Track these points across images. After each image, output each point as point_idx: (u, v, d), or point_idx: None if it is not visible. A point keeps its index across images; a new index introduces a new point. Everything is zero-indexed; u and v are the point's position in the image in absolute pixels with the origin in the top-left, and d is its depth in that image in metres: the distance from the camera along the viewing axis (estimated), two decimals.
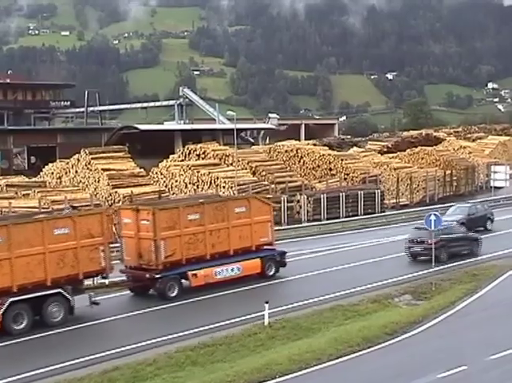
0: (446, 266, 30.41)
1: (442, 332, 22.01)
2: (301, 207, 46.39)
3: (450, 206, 49.78)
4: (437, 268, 28.32)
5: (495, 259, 32.18)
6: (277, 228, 41.98)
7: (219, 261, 28.04)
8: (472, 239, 33.71)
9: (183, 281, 27.03)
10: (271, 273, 29.48)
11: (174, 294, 26.44)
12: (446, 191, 57.34)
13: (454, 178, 58.36)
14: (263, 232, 29.78)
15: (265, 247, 30.13)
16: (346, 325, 22.57)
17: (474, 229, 36.60)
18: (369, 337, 21.19)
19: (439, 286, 27.35)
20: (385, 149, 69.46)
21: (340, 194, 47.82)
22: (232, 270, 28.19)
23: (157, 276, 26.30)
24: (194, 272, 27.03)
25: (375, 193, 49.58)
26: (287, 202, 45.47)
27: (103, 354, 20.25)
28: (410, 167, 58.63)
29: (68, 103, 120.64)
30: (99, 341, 22.10)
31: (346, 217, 46.60)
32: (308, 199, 46.48)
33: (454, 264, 31.09)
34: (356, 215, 47.28)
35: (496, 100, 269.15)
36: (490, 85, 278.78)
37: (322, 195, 47.04)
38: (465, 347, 20.17)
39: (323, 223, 44.42)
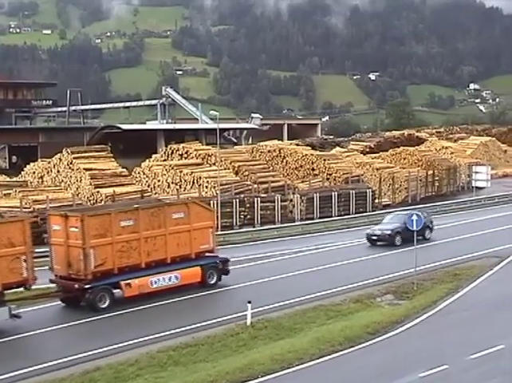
0: (427, 266, 30.50)
1: (423, 331, 22.11)
2: (293, 207, 46.66)
3: (433, 205, 50.40)
4: (418, 268, 28.41)
5: (476, 259, 32.34)
6: (265, 227, 42.57)
7: (156, 270, 26.55)
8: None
9: (116, 291, 25.50)
10: (212, 281, 28.10)
11: (104, 306, 24.90)
12: (428, 191, 57.65)
13: (436, 178, 58.66)
14: (204, 239, 28.30)
15: (207, 255, 28.74)
16: (328, 325, 22.62)
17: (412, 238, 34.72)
18: (351, 336, 21.26)
19: (421, 285, 27.47)
20: (368, 149, 69.78)
21: (333, 193, 48.34)
22: (170, 279, 26.65)
23: (86, 286, 24.80)
24: (127, 282, 25.50)
25: (366, 192, 50.34)
26: (281, 201, 45.77)
27: (85, 354, 20.18)
28: (392, 167, 58.89)
29: (50, 102, 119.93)
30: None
31: (329, 216, 46.74)
32: (301, 198, 46.90)
33: (436, 264, 31.23)
34: (348, 214, 47.92)
35: (478, 100, 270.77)
36: (472, 86, 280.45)
37: (315, 195, 47.49)
38: (446, 347, 20.27)
39: (305, 223, 44.49)
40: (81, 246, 24.89)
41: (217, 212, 41.94)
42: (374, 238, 36.64)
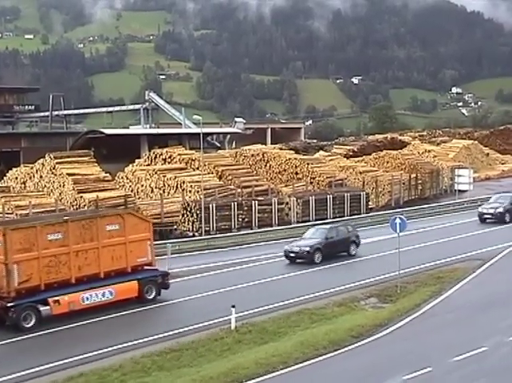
0: (411, 269, 30.58)
1: (407, 334, 22.19)
2: (290, 209, 46.99)
3: (418, 208, 50.61)
4: (403, 271, 28.52)
5: (459, 262, 32.50)
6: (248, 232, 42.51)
7: (88, 285, 25.14)
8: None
9: (43, 308, 24.06)
10: (151, 296, 26.72)
11: (30, 325, 23.42)
12: (411, 195, 57.84)
13: (419, 181, 58.89)
14: (141, 252, 26.91)
15: (146, 268, 27.34)
16: (312, 329, 22.66)
17: (336, 254, 34.09)
18: (335, 340, 21.31)
19: (405, 288, 27.57)
20: (351, 153, 69.95)
21: (328, 196, 48.88)
22: (103, 294, 25.28)
23: (9, 305, 23.27)
24: (55, 298, 23.98)
25: (360, 195, 50.89)
26: (277, 204, 46.25)
27: (70, 360, 20.08)
28: (375, 170, 59.08)
29: (33, 107, 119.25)
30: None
31: (324, 218, 46.83)
32: (297, 201, 47.33)
33: (421, 266, 31.35)
34: (343, 216, 48.24)
35: (460, 104, 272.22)
36: (454, 90, 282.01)
37: (311, 198, 48.00)
38: (429, 349, 20.35)
39: (291, 226, 44.54)
40: (3, 262, 23.53)
41: (215, 215, 42.64)
42: (292, 255, 33.78)
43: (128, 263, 26.51)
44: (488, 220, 44.22)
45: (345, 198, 49.56)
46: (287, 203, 47.20)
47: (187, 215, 42.89)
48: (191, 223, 42.90)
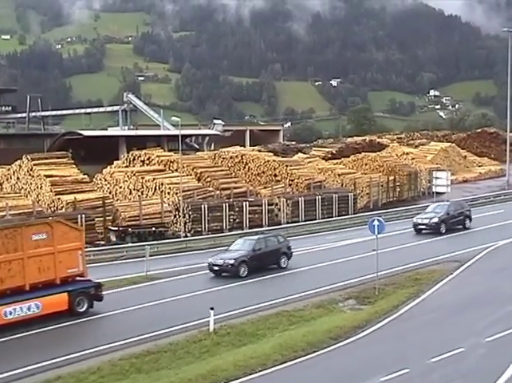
0: (389, 271, 30.72)
1: (385, 336, 22.28)
2: (279, 210, 47.50)
3: (396, 210, 50.82)
4: (381, 273, 28.65)
5: (436, 264, 32.71)
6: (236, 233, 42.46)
7: (11, 298, 23.49)
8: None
9: None
10: (82, 309, 25.08)
11: None
12: (389, 197, 58.10)
13: (398, 184, 59.16)
14: (71, 262, 25.32)
15: (77, 279, 25.88)
16: (291, 331, 22.68)
17: (264, 267, 31.97)
18: (314, 342, 21.34)
19: (383, 290, 27.69)
20: (329, 155, 70.16)
21: (317, 197, 49.51)
22: (29, 308, 23.68)
23: None
24: None
25: (348, 196, 51.53)
26: (268, 205, 46.80)
27: (44, 363, 19.94)
28: (354, 173, 59.25)
29: (10, 108, 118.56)
30: None
31: (312, 219, 46.95)
32: (286, 202, 47.91)
33: (399, 268, 31.51)
34: (331, 217, 48.97)
35: (438, 107, 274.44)
36: (432, 93, 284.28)
37: (300, 199, 48.61)
38: (407, 350, 20.45)
39: (267, 229, 44.54)
40: None
41: (207, 216, 42.99)
42: (216, 268, 31.43)
43: (56, 274, 25.01)
44: (424, 231, 41.32)
45: (333, 199, 50.31)
46: (277, 204, 47.73)
47: (179, 217, 43.34)
48: (183, 224, 43.25)
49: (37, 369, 19.56)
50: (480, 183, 70.21)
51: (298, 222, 46.94)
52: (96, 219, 41.02)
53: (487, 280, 29.46)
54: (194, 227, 43.19)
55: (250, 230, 43.12)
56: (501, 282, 28.96)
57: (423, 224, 41.46)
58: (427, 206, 47.21)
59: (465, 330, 22.27)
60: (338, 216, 49.26)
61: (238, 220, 45.17)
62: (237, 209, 45.23)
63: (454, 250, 35.33)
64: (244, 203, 45.90)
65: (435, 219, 41.06)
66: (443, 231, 40.60)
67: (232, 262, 31.05)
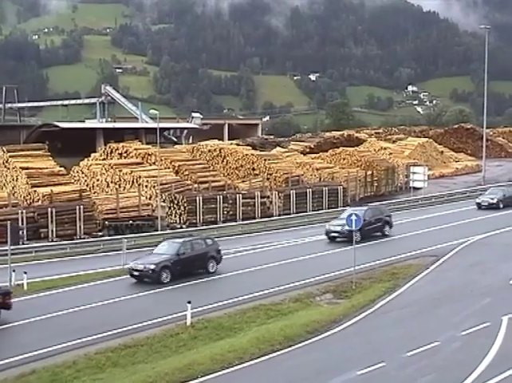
0: (366, 265, 30.82)
1: (362, 330, 22.36)
2: (271, 203, 48.04)
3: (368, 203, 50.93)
4: (358, 267, 28.74)
5: (413, 258, 32.88)
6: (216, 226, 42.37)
7: None
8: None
9: None
10: None
11: None
12: (367, 192, 58.30)
13: (375, 178, 59.37)
14: None
15: None
16: (268, 325, 22.69)
17: (191, 272, 29.67)
18: (291, 335, 21.38)
19: (360, 284, 27.79)
20: (308, 149, 70.32)
21: (308, 190, 50.22)
22: None
23: None
24: None
25: (337, 189, 52.20)
26: (260, 198, 47.39)
27: (20, 357, 19.78)
28: (332, 167, 59.43)
29: None
30: None
31: (303, 211, 47.01)
32: (278, 194, 48.51)
33: (376, 263, 31.63)
34: (321, 209, 49.51)
35: (415, 102, 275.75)
36: (410, 88, 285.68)
37: (291, 192, 49.22)
38: (384, 344, 20.55)
39: (244, 222, 44.58)
40: None
41: (202, 208, 43.67)
42: (136, 274, 29.04)
43: None
44: (338, 239, 36.91)
45: (324, 192, 50.96)
46: (268, 197, 48.26)
47: (174, 208, 44.06)
48: (178, 216, 43.91)
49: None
50: (457, 178, 70.68)
51: (290, 214, 47.64)
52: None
53: (463, 274, 29.64)
54: (189, 218, 43.87)
55: (218, 225, 43.24)
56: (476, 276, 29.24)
57: (335, 232, 37.07)
58: (405, 200, 47.58)
59: (441, 324, 22.42)
60: (328, 209, 49.58)
61: (231, 212, 45.86)
62: (230, 201, 45.89)
63: (433, 245, 35.54)
64: (237, 195, 46.68)
65: (347, 227, 34.36)
66: (358, 240, 34.15)
67: (153, 267, 28.52)
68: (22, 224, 37.32)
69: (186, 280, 28.81)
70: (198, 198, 44.38)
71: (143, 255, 30.66)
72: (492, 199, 48.80)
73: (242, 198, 46.63)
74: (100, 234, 40.28)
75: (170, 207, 44.21)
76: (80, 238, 39.06)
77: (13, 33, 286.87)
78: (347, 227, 33.11)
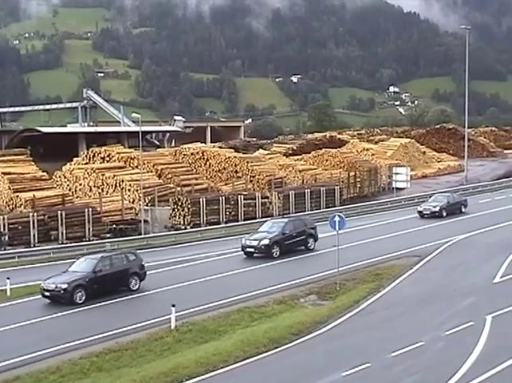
0: (350, 266, 30.86)
1: (346, 331, 22.39)
2: (271, 203, 48.65)
3: (356, 206, 51.08)
4: (342, 268, 28.78)
5: (397, 259, 32.96)
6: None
7: None
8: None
9: None
10: None
11: None
12: (350, 193, 58.40)
13: (358, 179, 59.51)
14: None
15: None
16: (253, 327, 22.67)
17: (110, 291, 27.21)
18: (275, 338, 21.36)
19: (344, 285, 27.82)
20: (290, 151, 70.43)
21: (306, 190, 51.03)
22: None
23: None
24: None
25: (334, 189, 53.19)
26: (261, 198, 48.27)
27: (3, 363, 19.64)
28: (315, 169, 59.59)
29: None
30: None
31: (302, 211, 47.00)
32: (278, 195, 49.23)
33: (359, 264, 31.69)
34: (319, 208, 50.30)
35: (397, 103, 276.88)
36: (392, 89, 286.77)
37: (291, 192, 50.09)
38: (368, 345, 20.58)
39: (227, 225, 44.44)
40: None
41: (205, 209, 44.13)
42: (47, 294, 26.48)
43: None
44: (255, 254, 33.77)
45: (321, 192, 51.89)
46: (268, 198, 48.78)
47: (178, 210, 44.48)
48: (182, 217, 44.28)
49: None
50: (439, 178, 70.95)
51: (289, 214, 47.32)
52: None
53: (446, 274, 29.75)
54: (193, 219, 44.42)
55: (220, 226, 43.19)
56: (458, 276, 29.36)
57: (251, 247, 34.05)
58: (387, 201, 47.15)
59: (425, 324, 22.49)
60: (326, 208, 50.15)
61: (233, 213, 46.36)
62: (232, 202, 46.45)
63: (416, 245, 35.65)
64: (239, 196, 47.25)
65: (265, 241, 33.73)
66: (277, 256, 33.31)
67: (65, 286, 25.97)
68: (4, 230, 37.19)
69: (102, 300, 26.36)
70: (201, 199, 45.01)
71: (56, 273, 27.66)
72: (434, 206, 45.99)
73: (244, 199, 47.28)
74: (108, 235, 40.88)
75: (174, 209, 44.68)
76: (89, 241, 39.77)
77: None
78: (264, 242, 33.22)
